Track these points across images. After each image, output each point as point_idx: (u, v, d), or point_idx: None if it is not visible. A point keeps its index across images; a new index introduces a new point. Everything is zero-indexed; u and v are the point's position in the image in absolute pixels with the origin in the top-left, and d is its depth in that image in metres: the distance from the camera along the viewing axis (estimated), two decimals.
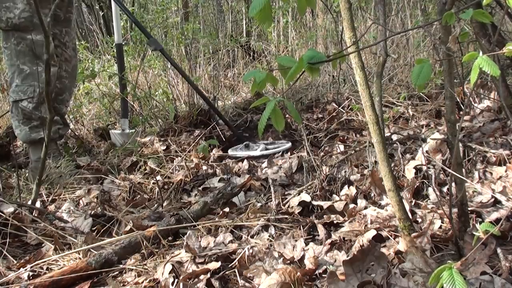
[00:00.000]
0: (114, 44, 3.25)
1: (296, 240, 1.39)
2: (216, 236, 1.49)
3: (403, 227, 1.28)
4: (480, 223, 1.16)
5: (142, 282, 1.28)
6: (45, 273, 1.35)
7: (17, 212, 1.73)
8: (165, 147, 2.64)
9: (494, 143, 1.92)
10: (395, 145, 2.02)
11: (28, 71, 2.28)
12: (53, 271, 1.34)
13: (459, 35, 1.10)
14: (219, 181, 2.10)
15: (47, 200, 2.02)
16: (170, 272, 1.27)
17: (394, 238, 1.34)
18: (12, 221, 1.63)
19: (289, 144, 2.54)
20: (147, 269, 1.35)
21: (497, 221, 1.36)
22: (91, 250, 1.48)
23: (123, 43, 3.14)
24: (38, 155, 2.31)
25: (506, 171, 1.69)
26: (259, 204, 1.79)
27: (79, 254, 1.46)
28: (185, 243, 1.40)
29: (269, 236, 1.48)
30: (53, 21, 2.42)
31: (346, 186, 1.79)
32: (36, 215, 1.74)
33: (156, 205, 1.93)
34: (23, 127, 2.34)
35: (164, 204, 1.93)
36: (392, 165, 1.78)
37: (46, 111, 2.28)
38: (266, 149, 2.52)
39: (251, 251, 1.35)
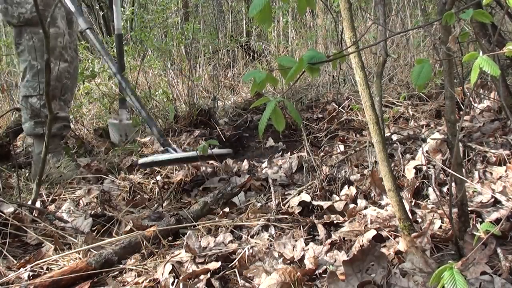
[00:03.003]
0: (114, 34, 3.19)
1: (296, 240, 1.39)
2: (216, 236, 1.49)
3: (403, 227, 1.28)
4: (480, 223, 1.17)
5: (142, 282, 1.28)
6: (45, 273, 1.35)
7: (17, 212, 1.73)
8: None
9: (494, 143, 1.92)
10: (395, 145, 2.02)
11: (39, 67, 2.30)
12: (53, 271, 1.34)
13: (459, 35, 1.10)
14: (219, 181, 2.10)
15: (47, 200, 2.02)
16: (170, 272, 1.27)
17: (394, 238, 1.34)
18: (12, 221, 1.63)
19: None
20: (147, 269, 1.35)
21: (497, 221, 1.36)
22: (91, 250, 1.48)
23: (122, 33, 3.10)
24: (41, 148, 2.32)
25: (506, 171, 1.69)
26: (259, 204, 1.79)
27: (79, 254, 1.46)
28: (185, 243, 1.40)
29: (269, 236, 1.48)
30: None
31: (346, 186, 1.79)
32: (36, 215, 1.74)
33: (156, 205, 1.93)
34: (29, 121, 2.37)
35: (164, 204, 1.93)
36: (392, 165, 1.78)
37: (55, 107, 2.31)
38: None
39: (251, 251, 1.35)
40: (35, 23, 2.27)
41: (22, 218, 1.70)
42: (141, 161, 2.09)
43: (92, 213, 1.81)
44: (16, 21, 2.28)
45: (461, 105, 2.24)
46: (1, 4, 2.29)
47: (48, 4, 2.29)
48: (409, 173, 1.77)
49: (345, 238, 1.40)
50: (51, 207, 1.96)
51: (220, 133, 2.75)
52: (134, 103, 2.31)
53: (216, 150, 2.14)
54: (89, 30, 2.39)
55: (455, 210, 1.28)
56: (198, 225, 1.60)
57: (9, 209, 1.75)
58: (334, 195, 1.77)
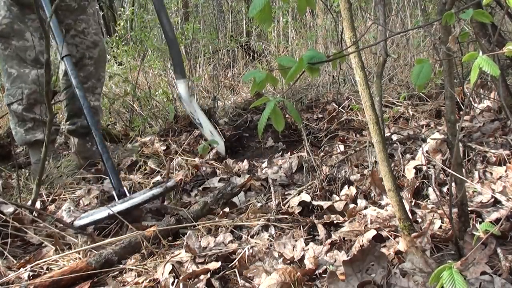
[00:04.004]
0: None
1: (296, 240, 1.39)
2: (216, 236, 1.49)
3: (403, 227, 1.28)
4: (480, 223, 1.17)
5: (142, 282, 1.28)
6: (45, 273, 1.35)
7: (17, 213, 1.73)
8: (165, 147, 2.64)
9: (494, 143, 1.92)
10: (395, 145, 2.02)
11: (16, 74, 2.27)
12: (53, 271, 1.34)
13: (459, 35, 1.10)
14: (219, 181, 2.10)
15: (47, 200, 2.02)
16: (170, 272, 1.27)
17: (394, 238, 1.34)
18: (12, 223, 1.63)
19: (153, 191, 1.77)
20: (147, 269, 1.35)
21: (497, 221, 1.36)
22: (91, 250, 1.48)
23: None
24: (37, 156, 2.31)
25: (506, 171, 1.69)
26: (259, 204, 1.79)
27: (79, 254, 1.46)
28: (185, 243, 1.40)
29: (269, 236, 1.48)
30: (65, 11, 2.37)
31: (346, 186, 1.79)
32: (35, 215, 1.74)
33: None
34: (18, 129, 2.34)
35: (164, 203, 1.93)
36: (392, 165, 1.78)
37: (41, 112, 2.28)
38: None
39: (251, 251, 1.35)
40: (6, 35, 2.23)
41: (22, 219, 1.70)
42: (77, 223, 1.65)
43: None
44: None
45: (461, 105, 2.24)
46: None
47: (17, 17, 2.23)
48: (409, 173, 1.77)
49: (345, 238, 1.40)
50: (51, 207, 1.96)
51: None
52: (95, 136, 1.93)
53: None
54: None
55: (455, 210, 1.28)
56: (198, 225, 1.60)
57: (9, 209, 1.75)
58: (334, 195, 1.77)
